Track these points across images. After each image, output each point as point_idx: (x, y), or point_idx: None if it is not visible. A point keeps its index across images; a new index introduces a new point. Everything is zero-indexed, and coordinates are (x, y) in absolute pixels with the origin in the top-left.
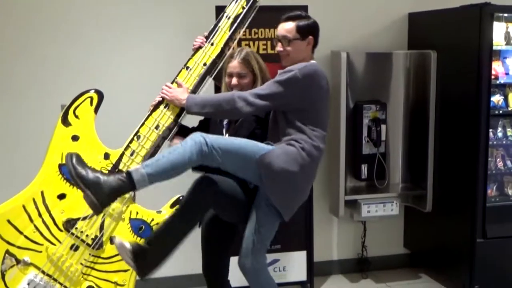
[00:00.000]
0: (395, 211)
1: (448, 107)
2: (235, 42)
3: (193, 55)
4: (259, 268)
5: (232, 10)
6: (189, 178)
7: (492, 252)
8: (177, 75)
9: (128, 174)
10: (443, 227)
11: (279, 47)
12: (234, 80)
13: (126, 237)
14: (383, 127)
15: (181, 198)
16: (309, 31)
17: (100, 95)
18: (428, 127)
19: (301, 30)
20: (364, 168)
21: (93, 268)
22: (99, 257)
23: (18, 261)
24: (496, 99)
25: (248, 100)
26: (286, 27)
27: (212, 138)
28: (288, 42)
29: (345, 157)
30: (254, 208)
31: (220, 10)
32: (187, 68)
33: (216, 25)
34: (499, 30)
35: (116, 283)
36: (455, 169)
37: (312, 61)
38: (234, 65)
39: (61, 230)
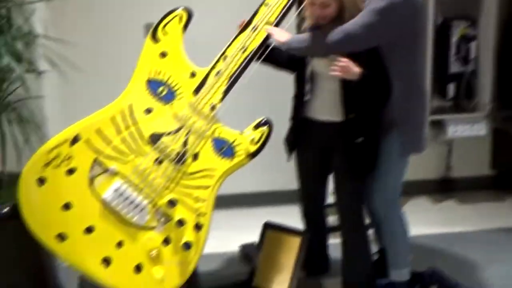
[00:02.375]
0: (483, 132)
1: None
2: None
3: None
4: None
5: None
6: (275, 95)
7: None
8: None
9: None
10: None
11: None
12: (317, 9)
13: (207, 155)
14: (473, 44)
15: (264, 119)
16: None
17: (189, 14)
18: None
19: None
20: (451, 87)
21: (176, 182)
22: (182, 172)
23: (106, 169)
24: None
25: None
26: None
27: None
28: None
29: (431, 75)
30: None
31: None
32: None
33: None
34: None
35: (197, 198)
36: None
37: None
38: None
39: (147, 144)
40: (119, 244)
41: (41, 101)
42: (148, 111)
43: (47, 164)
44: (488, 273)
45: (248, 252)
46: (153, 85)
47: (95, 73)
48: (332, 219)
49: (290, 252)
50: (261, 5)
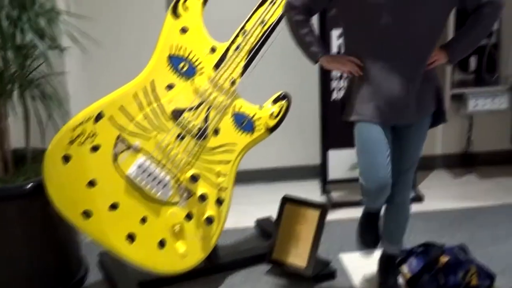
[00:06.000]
0: (505, 105)
1: None
2: None
3: None
4: None
5: None
6: (294, 69)
7: None
8: None
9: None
10: None
11: None
12: None
13: (228, 130)
14: None
15: (283, 93)
16: None
17: None
18: None
19: None
20: (472, 60)
21: (197, 158)
22: (203, 147)
23: (129, 146)
24: None
25: None
26: None
27: None
28: None
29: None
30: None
31: None
32: None
33: None
34: None
35: (219, 173)
36: None
37: None
38: None
39: (168, 120)
40: (143, 220)
41: (64, 77)
42: (170, 87)
43: (72, 142)
44: (509, 246)
45: (265, 227)
46: (175, 60)
47: (117, 49)
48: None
49: (309, 225)
50: None
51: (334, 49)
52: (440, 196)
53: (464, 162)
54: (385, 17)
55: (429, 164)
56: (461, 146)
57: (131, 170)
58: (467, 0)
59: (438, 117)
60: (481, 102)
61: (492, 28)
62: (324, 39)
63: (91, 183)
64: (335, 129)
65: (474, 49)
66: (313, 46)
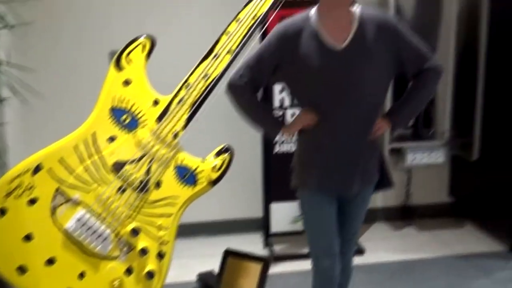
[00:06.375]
0: (441, 159)
1: (499, 51)
2: None
3: (244, 7)
4: None
5: None
6: (236, 122)
7: None
8: (228, 26)
9: None
10: (489, 176)
11: None
12: None
13: (170, 183)
14: None
15: (225, 146)
16: None
17: (153, 42)
18: (478, 71)
19: None
20: None
21: (138, 211)
22: (144, 200)
23: (68, 199)
24: None
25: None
26: None
27: None
28: None
29: (391, 103)
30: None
31: None
32: (238, 20)
33: None
34: None
35: (160, 226)
36: (504, 117)
37: None
38: None
39: (109, 172)
40: (81, 275)
41: (3, 128)
42: (112, 139)
43: (8, 194)
44: None
45: (207, 281)
46: (117, 113)
47: (58, 101)
48: None
49: (252, 278)
50: (222, 34)
51: (276, 103)
52: (381, 249)
53: (404, 215)
54: (327, 91)
55: (369, 217)
56: (400, 199)
57: (70, 223)
58: (408, 66)
59: (382, 184)
60: (418, 156)
61: (433, 94)
62: (266, 93)
63: (27, 237)
64: (278, 181)
65: (417, 115)
66: (270, 123)
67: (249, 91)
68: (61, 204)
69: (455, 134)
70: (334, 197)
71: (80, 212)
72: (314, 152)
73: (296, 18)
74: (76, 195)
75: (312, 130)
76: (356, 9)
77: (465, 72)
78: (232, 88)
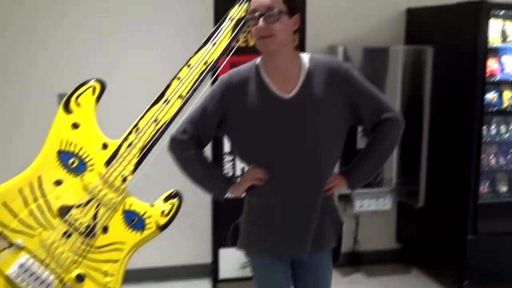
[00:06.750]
0: (388, 206)
1: (443, 103)
2: (237, 43)
3: (195, 53)
4: None
5: (235, 13)
6: (178, 173)
7: (483, 249)
8: (179, 72)
9: None
10: (435, 222)
11: (260, 25)
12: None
13: (117, 228)
14: None
15: (174, 191)
16: (296, 6)
17: (103, 85)
18: (423, 122)
19: (290, 3)
20: None
21: (84, 256)
22: (91, 245)
23: (11, 244)
24: (491, 96)
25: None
26: None
27: None
28: (277, 16)
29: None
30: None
31: (219, 2)
32: (189, 65)
33: (218, 26)
34: (495, 27)
35: (106, 272)
36: (448, 165)
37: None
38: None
39: (55, 216)
40: None
41: None
42: (58, 182)
43: None
44: None
45: None
46: (64, 156)
47: (6, 142)
48: None
49: None
50: (173, 79)
51: (226, 148)
52: None
53: (352, 261)
54: (275, 143)
55: None
56: (348, 245)
57: (12, 270)
58: (364, 116)
59: (335, 255)
60: (366, 203)
61: (395, 147)
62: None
63: None
64: (227, 227)
65: (378, 172)
66: (216, 182)
67: (193, 147)
68: (4, 249)
69: (401, 181)
70: (286, 260)
71: (23, 257)
72: (263, 211)
73: (241, 67)
74: (19, 240)
75: (260, 187)
76: (305, 56)
77: (411, 122)
78: (175, 143)
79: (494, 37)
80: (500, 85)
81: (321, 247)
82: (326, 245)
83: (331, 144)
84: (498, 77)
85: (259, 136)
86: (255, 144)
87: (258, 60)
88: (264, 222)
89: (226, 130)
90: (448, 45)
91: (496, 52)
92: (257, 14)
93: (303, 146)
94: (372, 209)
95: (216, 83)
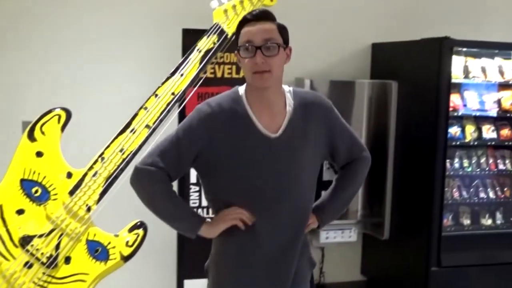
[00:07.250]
0: (353, 238)
1: (408, 136)
2: (205, 74)
3: (163, 83)
4: None
5: (204, 44)
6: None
7: (447, 281)
8: (146, 101)
9: None
10: (399, 254)
11: (258, 59)
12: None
13: (80, 258)
14: None
15: (139, 222)
16: (288, 38)
17: (68, 114)
18: (388, 155)
19: (284, 35)
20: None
21: (46, 287)
22: (52, 276)
23: None
24: (454, 130)
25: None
26: (267, 27)
27: None
28: (277, 50)
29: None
30: None
31: (187, 33)
32: (156, 95)
33: (186, 57)
34: (458, 63)
35: None
36: (413, 198)
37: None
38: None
39: (16, 246)
40: None
41: None
42: (20, 212)
43: None
44: None
45: None
46: (27, 185)
47: None
48: None
49: None
50: (140, 108)
51: (192, 179)
52: None
53: None
54: (261, 183)
55: None
56: (314, 277)
57: None
58: (341, 154)
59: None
60: (332, 235)
61: (361, 185)
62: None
63: None
64: (192, 258)
65: (346, 208)
66: (186, 220)
67: (161, 180)
68: None
69: (367, 213)
70: None
71: None
72: (240, 256)
73: (221, 98)
74: None
75: (238, 229)
76: (287, 89)
77: (376, 155)
78: (141, 175)
79: (456, 73)
80: (462, 120)
81: (300, 284)
82: (303, 281)
83: (312, 182)
84: (460, 112)
85: (241, 175)
86: (236, 183)
87: (241, 91)
88: (242, 270)
89: (200, 167)
90: (412, 79)
91: (458, 88)
92: (252, 46)
93: (288, 185)
94: (337, 241)
95: (193, 114)
